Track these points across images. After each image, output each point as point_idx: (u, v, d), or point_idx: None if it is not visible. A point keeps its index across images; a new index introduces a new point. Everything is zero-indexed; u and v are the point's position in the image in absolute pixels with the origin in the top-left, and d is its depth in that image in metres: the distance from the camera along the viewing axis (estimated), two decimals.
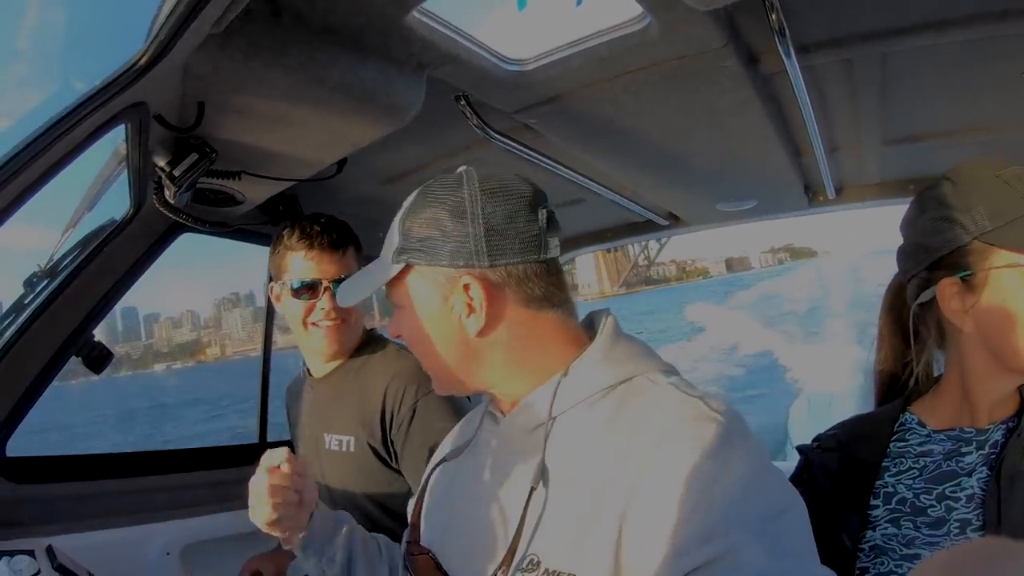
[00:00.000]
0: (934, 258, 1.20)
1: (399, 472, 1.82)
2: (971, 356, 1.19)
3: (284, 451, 1.26)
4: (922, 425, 1.24)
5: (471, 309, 1.03)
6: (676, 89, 1.83)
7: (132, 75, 1.27)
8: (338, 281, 1.83)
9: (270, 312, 2.89)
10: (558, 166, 2.35)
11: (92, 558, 2.02)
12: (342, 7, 1.38)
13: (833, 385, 15.76)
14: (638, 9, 1.51)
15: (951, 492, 1.15)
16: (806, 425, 8.85)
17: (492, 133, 2.01)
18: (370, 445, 1.83)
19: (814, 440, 1.40)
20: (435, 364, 1.11)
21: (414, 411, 1.77)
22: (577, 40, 1.67)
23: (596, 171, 2.51)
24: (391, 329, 1.15)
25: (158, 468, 2.44)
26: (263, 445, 2.78)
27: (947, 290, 1.18)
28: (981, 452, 1.15)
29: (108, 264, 2.13)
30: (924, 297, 1.22)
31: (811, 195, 3.11)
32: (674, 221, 3.45)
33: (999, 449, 1.14)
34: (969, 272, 1.15)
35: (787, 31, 1.49)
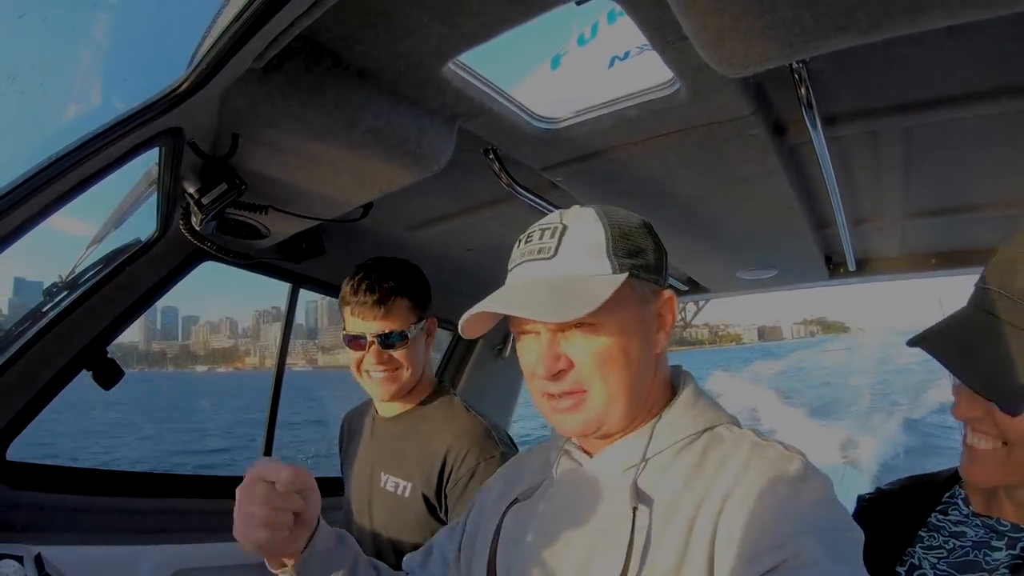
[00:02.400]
0: None
1: (444, 524, 1.82)
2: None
3: (287, 469, 1.13)
4: (966, 503, 1.21)
5: (663, 322, 1.12)
6: (702, 155, 1.84)
7: (171, 100, 1.30)
8: (383, 336, 1.88)
9: (284, 345, 2.89)
10: None
11: (80, 572, 1.99)
12: (381, 53, 1.41)
13: (843, 459, 15.49)
14: (669, 74, 1.53)
15: None
16: None
17: (518, 189, 2.03)
18: (424, 494, 1.85)
19: (876, 489, 1.39)
20: (621, 388, 1.06)
21: (473, 474, 1.78)
22: (607, 102, 1.70)
23: None
24: (549, 365, 1.05)
25: (157, 490, 2.42)
26: None
27: None
28: (1011, 551, 1.10)
29: (128, 283, 2.14)
30: None
31: (832, 267, 3.11)
32: (694, 287, 3.44)
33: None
34: None
35: (814, 102, 1.50)
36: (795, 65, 1.41)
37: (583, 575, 1.02)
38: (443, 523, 1.82)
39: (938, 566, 1.15)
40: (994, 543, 1.12)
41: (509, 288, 1.10)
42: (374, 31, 1.33)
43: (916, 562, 1.17)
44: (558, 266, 1.06)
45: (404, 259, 2.02)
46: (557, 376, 1.06)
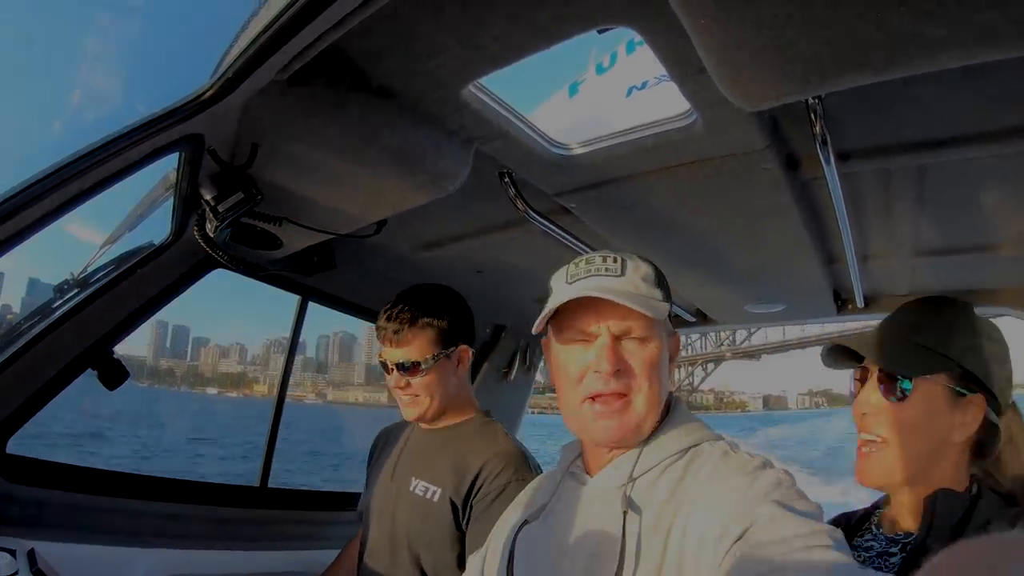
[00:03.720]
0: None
1: (463, 534, 1.91)
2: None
3: None
4: (878, 527, 1.40)
5: (671, 356, 1.30)
6: (716, 187, 1.85)
7: (194, 107, 1.32)
8: (400, 364, 1.98)
9: (288, 361, 2.90)
10: (591, 252, 2.37)
11: (72, 570, 1.98)
12: (404, 72, 1.42)
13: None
14: (686, 105, 1.54)
15: None
16: None
17: (531, 213, 2.05)
18: (451, 500, 1.91)
19: None
20: (659, 394, 1.22)
21: (503, 490, 1.86)
22: (624, 131, 1.71)
23: None
24: (611, 360, 1.18)
25: (154, 494, 2.42)
26: (263, 490, 2.75)
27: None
28: (903, 555, 1.29)
29: (138, 286, 2.16)
30: None
31: (840, 303, 3.10)
32: (701, 319, 3.44)
33: (912, 555, 1.26)
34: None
35: (829, 138, 1.51)
36: (811, 101, 1.42)
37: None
38: (462, 532, 1.89)
39: None
40: (891, 550, 1.32)
41: (584, 290, 1.20)
42: (398, 50, 1.35)
43: None
44: (626, 284, 1.22)
45: (445, 287, 2.10)
46: (617, 374, 1.18)
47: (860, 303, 2.99)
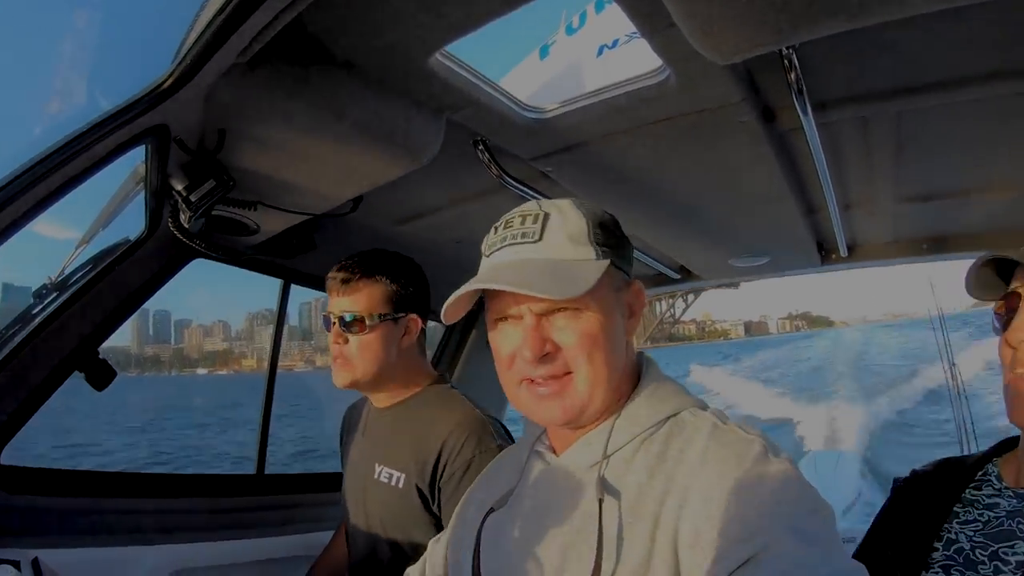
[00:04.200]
0: None
1: (436, 518, 1.82)
2: None
3: None
4: (999, 479, 1.22)
5: (632, 311, 1.16)
6: (693, 142, 1.84)
7: (156, 97, 1.29)
8: (343, 319, 1.86)
9: (276, 344, 2.89)
10: None
11: (77, 574, 1.98)
12: (367, 45, 1.40)
13: (839, 444, 15.61)
14: (658, 62, 1.53)
15: (1004, 553, 1.12)
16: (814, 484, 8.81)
17: (508, 179, 2.03)
18: (417, 486, 1.82)
19: (911, 472, 1.41)
20: (601, 371, 1.07)
21: (468, 466, 1.75)
22: (596, 90, 1.69)
23: None
24: (535, 346, 1.05)
25: (152, 491, 2.41)
26: (260, 476, 2.76)
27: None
28: None
29: (118, 283, 2.12)
30: None
31: (824, 253, 3.11)
32: (686, 275, 3.44)
33: None
34: None
35: (804, 88, 1.50)
36: (785, 51, 1.41)
37: (559, 573, 1.03)
38: (436, 517, 1.81)
39: (974, 538, 1.16)
40: None
41: (494, 268, 1.10)
42: (359, 23, 1.32)
43: (953, 536, 1.19)
44: (544, 250, 1.07)
45: (407, 256, 2.01)
46: (544, 359, 1.06)
47: (843, 252, 3.01)
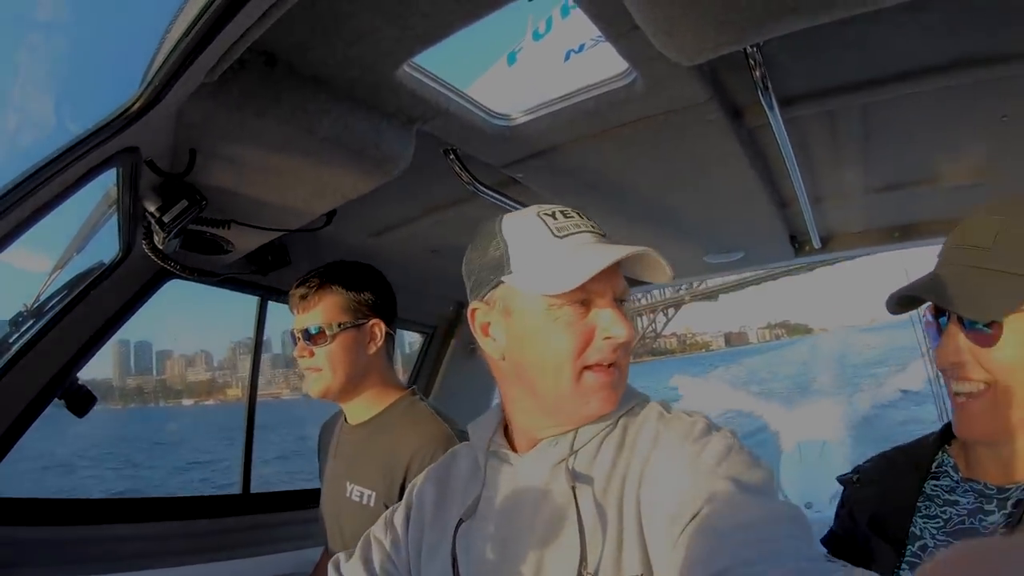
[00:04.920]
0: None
1: None
2: None
3: None
4: (955, 469, 1.21)
5: None
6: (662, 143, 1.86)
7: (125, 120, 1.28)
8: (305, 330, 1.90)
9: (255, 363, 2.87)
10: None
11: None
12: (334, 60, 1.40)
13: (819, 434, 15.77)
14: (624, 65, 1.54)
15: None
16: (799, 473, 8.82)
17: (480, 187, 2.04)
18: (386, 505, 1.75)
19: (854, 471, 1.40)
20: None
21: None
22: (564, 96, 1.71)
23: None
24: (628, 331, 1.09)
25: (134, 516, 2.39)
26: (246, 496, 2.74)
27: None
28: (1003, 511, 1.10)
29: (95, 307, 2.11)
30: None
31: (797, 245, 3.14)
32: None
33: (1020, 508, 1.06)
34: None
35: (770, 85, 1.52)
36: (749, 49, 1.43)
37: (543, 571, 1.04)
38: None
39: (937, 536, 1.15)
40: (986, 507, 1.12)
41: (605, 247, 1.11)
42: (326, 38, 1.33)
43: (918, 532, 1.18)
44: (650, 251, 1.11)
45: (365, 264, 2.02)
46: (627, 343, 1.10)
47: (817, 244, 3.04)
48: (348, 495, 1.90)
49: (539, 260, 1.11)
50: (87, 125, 1.31)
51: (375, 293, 1.99)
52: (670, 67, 1.44)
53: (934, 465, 1.26)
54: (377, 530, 1.36)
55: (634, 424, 1.12)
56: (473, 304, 1.20)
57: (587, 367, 1.09)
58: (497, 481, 1.18)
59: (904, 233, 3.01)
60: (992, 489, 1.13)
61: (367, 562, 1.31)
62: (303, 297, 1.92)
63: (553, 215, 1.14)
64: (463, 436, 1.80)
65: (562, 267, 1.09)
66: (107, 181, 1.63)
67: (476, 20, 1.30)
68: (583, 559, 0.98)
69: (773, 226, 2.72)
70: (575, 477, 1.06)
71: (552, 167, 1.99)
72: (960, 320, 1.10)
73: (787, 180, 2.19)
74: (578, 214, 1.16)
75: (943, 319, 1.16)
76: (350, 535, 1.88)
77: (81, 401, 2.14)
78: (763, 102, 1.60)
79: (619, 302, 1.11)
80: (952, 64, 1.58)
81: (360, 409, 2.00)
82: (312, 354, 1.91)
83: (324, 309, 1.91)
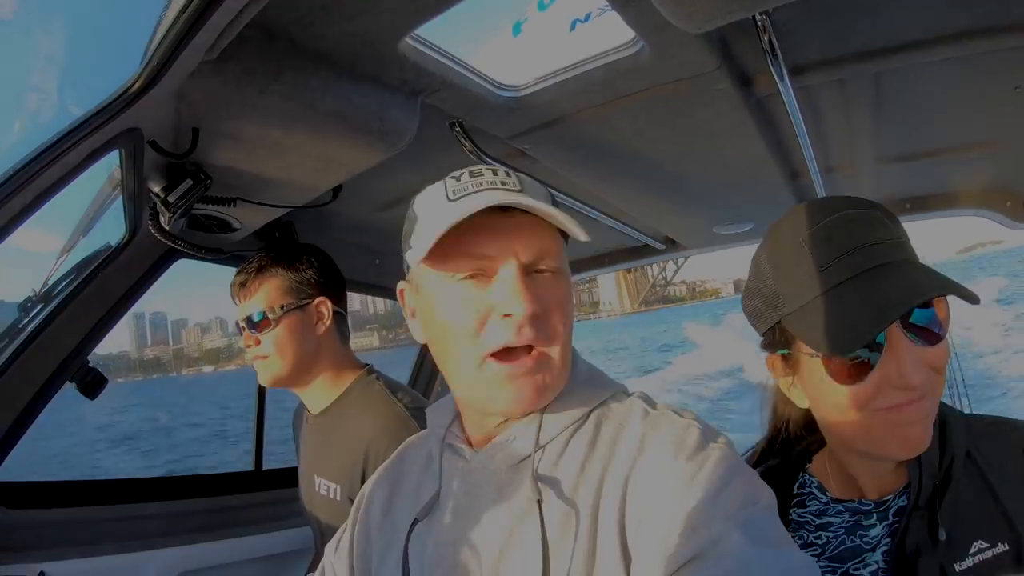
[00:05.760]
0: (760, 330, 1.16)
1: None
2: (825, 434, 1.14)
3: None
4: (822, 490, 1.16)
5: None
6: (670, 113, 1.84)
7: (125, 100, 1.27)
8: (249, 320, 1.88)
9: None
10: (553, 191, 2.36)
11: None
12: (335, 33, 1.38)
13: None
14: (631, 34, 1.52)
15: (855, 570, 1.05)
16: None
17: (486, 158, 2.02)
18: (351, 499, 1.72)
19: None
20: (569, 343, 0.99)
21: None
22: (571, 65, 1.69)
23: (591, 196, 2.52)
24: (529, 303, 0.91)
25: (152, 495, 2.42)
26: (259, 473, 2.76)
27: (776, 365, 1.15)
28: (885, 522, 1.06)
29: (103, 289, 2.11)
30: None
31: None
32: (671, 245, 3.45)
33: (903, 518, 1.03)
34: (785, 351, 1.11)
35: (779, 53, 1.49)
36: (758, 17, 1.40)
37: None
38: None
39: (819, 563, 1.07)
40: (865, 522, 1.08)
41: (483, 199, 0.93)
42: (326, 11, 1.30)
43: None
44: (532, 199, 0.94)
45: (307, 244, 2.02)
46: (533, 318, 0.92)
47: None
48: (316, 489, 1.87)
49: (422, 229, 0.97)
50: (87, 107, 1.30)
51: (318, 271, 1.96)
52: (678, 35, 1.41)
53: (795, 488, 1.19)
54: (328, 550, 1.25)
55: (610, 420, 0.98)
56: (399, 285, 1.10)
57: (491, 354, 0.93)
58: (454, 480, 1.04)
59: (916, 205, 2.97)
60: (868, 504, 1.09)
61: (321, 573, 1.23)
62: (243, 284, 1.89)
63: (459, 177, 0.99)
64: (420, 415, 1.69)
65: (424, 233, 0.95)
66: (111, 163, 1.62)
67: None
68: (546, 572, 0.87)
69: (783, 196, 2.69)
70: (539, 480, 0.94)
71: (559, 138, 1.97)
72: (904, 326, 0.98)
73: (797, 150, 2.16)
74: (494, 171, 0.98)
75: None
76: (324, 527, 1.87)
77: (92, 383, 2.15)
78: (773, 71, 1.57)
79: (532, 269, 0.95)
80: (966, 33, 1.54)
81: (317, 397, 1.96)
82: (258, 342, 1.87)
83: (265, 293, 1.88)
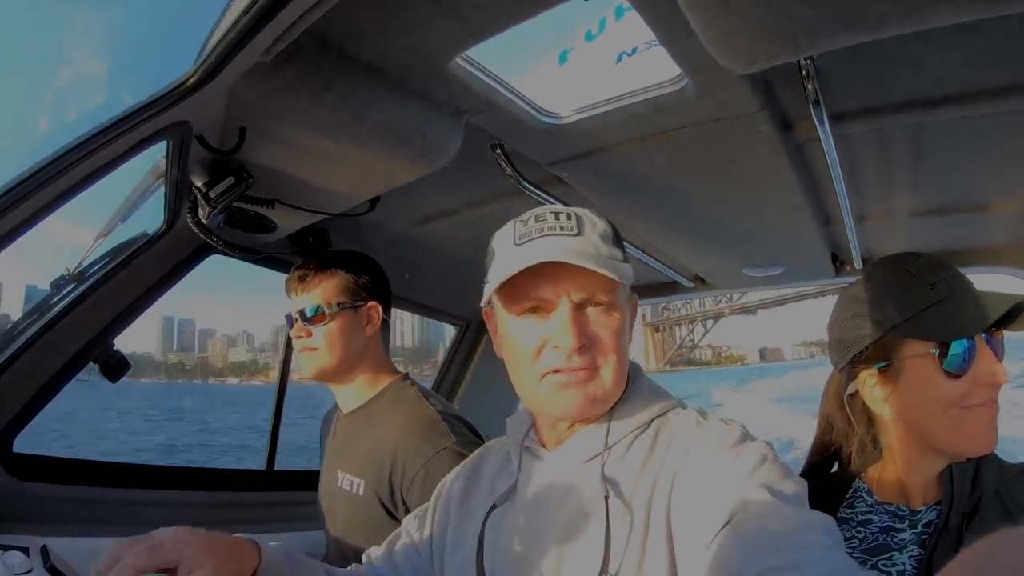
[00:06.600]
0: (853, 353, 1.31)
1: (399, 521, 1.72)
2: (896, 439, 1.28)
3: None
4: (870, 494, 1.32)
5: (632, 319, 1.21)
6: (710, 152, 1.84)
7: (179, 94, 1.30)
8: (303, 313, 1.93)
9: (288, 344, 2.90)
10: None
11: (86, 564, 1.99)
12: (388, 47, 1.41)
13: None
14: (676, 70, 1.53)
15: (883, 565, 1.21)
16: None
17: (524, 183, 2.03)
18: (377, 494, 1.81)
19: None
20: (625, 366, 1.14)
21: (423, 474, 1.71)
22: (614, 97, 1.70)
23: (624, 228, 2.51)
24: (576, 335, 1.06)
25: (162, 483, 2.43)
26: (271, 473, 2.77)
27: (867, 381, 1.29)
28: (914, 531, 1.22)
29: (136, 276, 2.15)
30: (850, 389, 1.33)
31: (838, 264, 3.09)
32: (700, 283, 3.43)
33: (932, 530, 1.19)
34: (885, 363, 1.26)
35: (821, 99, 1.50)
36: (803, 62, 1.41)
37: (564, 567, 1.04)
38: (399, 523, 1.69)
39: (853, 555, 1.24)
40: (897, 526, 1.24)
41: (541, 251, 1.07)
42: (381, 25, 1.33)
43: None
44: (585, 244, 1.09)
45: (359, 252, 2.06)
46: (580, 349, 1.06)
47: (858, 264, 2.98)
48: (339, 484, 1.90)
49: (495, 267, 1.16)
50: (140, 97, 1.33)
51: (372, 276, 2.02)
52: (722, 75, 1.42)
53: (849, 492, 1.36)
54: (408, 521, 1.40)
55: (668, 428, 1.12)
56: (484, 306, 1.21)
57: (546, 372, 1.09)
58: (530, 474, 1.19)
59: (949, 259, 2.92)
60: (904, 510, 1.25)
61: (392, 552, 1.35)
62: (302, 279, 1.94)
63: (526, 221, 1.14)
64: (450, 419, 1.84)
65: (494, 272, 1.14)
66: (156, 153, 1.66)
67: (531, 16, 1.30)
68: (606, 560, 0.98)
69: (815, 243, 2.68)
70: (607, 478, 1.07)
71: (597, 168, 1.98)
72: (989, 335, 1.21)
73: (832, 197, 2.15)
74: (556, 215, 1.13)
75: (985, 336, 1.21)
76: (342, 523, 1.90)
77: (115, 367, 2.18)
78: (814, 116, 1.57)
79: (581, 305, 1.08)
80: (1007, 89, 1.54)
81: (352, 396, 2.01)
82: (310, 334, 1.93)
83: (323, 290, 1.94)
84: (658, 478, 1.03)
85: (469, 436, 1.84)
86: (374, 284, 2.02)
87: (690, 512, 0.96)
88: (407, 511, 1.72)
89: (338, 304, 1.93)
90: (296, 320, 1.94)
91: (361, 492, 1.83)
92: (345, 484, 1.89)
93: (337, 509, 1.92)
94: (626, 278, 1.08)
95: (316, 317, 1.92)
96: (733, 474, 0.95)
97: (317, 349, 1.93)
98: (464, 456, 1.57)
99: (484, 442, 1.78)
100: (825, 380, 1.48)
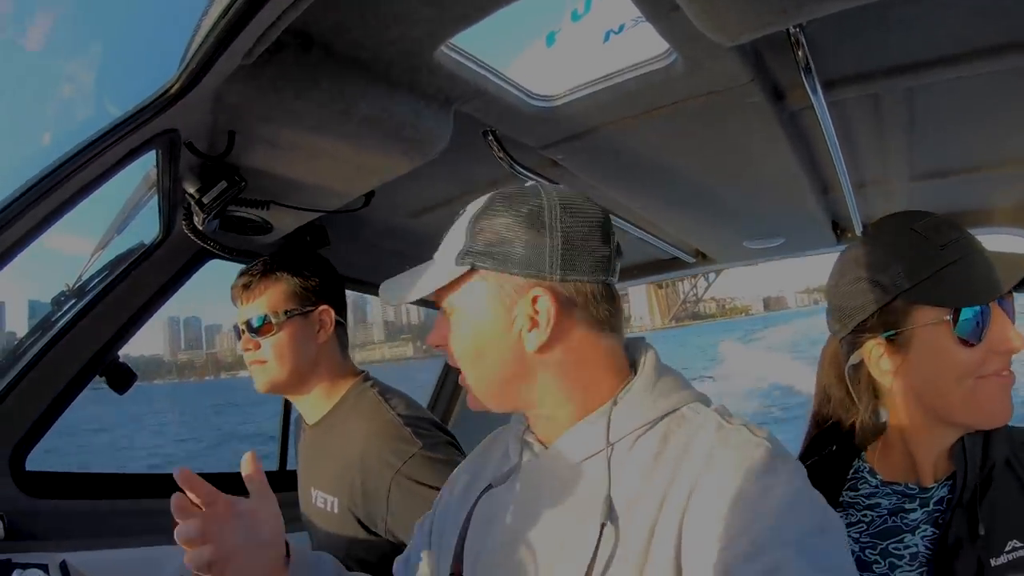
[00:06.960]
0: (857, 321, 1.23)
1: (379, 536, 1.72)
2: (905, 413, 1.20)
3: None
4: (873, 474, 1.26)
5: (534, 323, 1.02)
6: (703, 126, 1.83)
7: (164, 102, 1.29)
8: (249, 324, 1.86)
9: None
10: None
11: (106, 575, 2.01)
12: (372, 41, 1.40)
13: None
14: (664, 46, 1.51)
15: (894, 549, 1.16)
16: None
17: (518, 168, 2.02)
18: (352, 512, 1.74)
19: None
20: (481, 377, 1.08)
21: (398, 485, 1.65)
22: (604, 76, 1.68)
23: (622, 207, 2.51)
24: (431, 337, 1.10)
25: (175, 490, 2.43)
26: (283, 473, 2.77)
27: (873, 351, 1.21)
28: (925, 509, 1.17)
29: (136, 287, 2.15)
30: (853, 360, 1.24)
31: (839, 232, 3.07)
32: (701, 259, 3.42)
33: (944, 507, 1.15)
34: (893, 332, 1.18)
35: (813, 66, 1.48)
36: (792, 30, 1.39)
37: (550, 566, 0.97)
38: (378, 535, 1.73)
39: (861, 539, 1.20)
40: (907, 506, 1.18)
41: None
42: (363, 19, 1.32)
43: None
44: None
45: (310, 251, 2.04)
46: (449, 354, 1.11)
47: (859, 231, 2.96)
48: (314, 502, 1.85)
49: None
50: (126, 108, 1.33)
51: (322, 279, 1.95)
52: (711, 48, 1.40)
53: (851, 473, 1.29)
54: (417, 526, 1.37)
55: (681, 430, 0.98)
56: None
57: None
58: (527, 467, 1.11)
59: None
60: (914, 488, 1.19)
61: (407, 553, 1.35)
62: (246, 287, 1.87)
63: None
64: (413, 422, 1.76)
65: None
66: (147, 163, 1.65)
67: (515, 0, 1.28)
68: (591, 567, 0.90)
69: (814, 212, 2.66)
70: (609, 483, 0.96)
71: (591, 148, 1.96)
72: (1005, 300, 1.15)
73: (829, 165, 2.13)
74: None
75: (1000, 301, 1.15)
76: (322, 539, 1.84)
77: (121, 378, 2.18)
78: (806, 84, 1.55)
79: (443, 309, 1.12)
80: (1001, 47, 1.51)
81: (313, 407, 1.94)
82: (258, 346, 1.85)
83: (269, 297, 1.86)
84: (668, 494, 0.91)
85: (437, 436, 1.77)
86: (324, 286, 1.95)
87: (706, 547, 0.84)
88: (388, 525, 1.69)
89: (286, 312, 1.85)
90: (243, 332, 1.87)
91: (336, 510, 1.78)
92: (319, 502, 1.83)
93: (316, 526, 1.87)
94: (411, 289, 1.16)
95: (263, 327, 1.84)
96: (762, 517, 0.84)
97: (266, 362, 1.85)
98: (434, 459, 1.57)
99: (453, 439, 1.79)
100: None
